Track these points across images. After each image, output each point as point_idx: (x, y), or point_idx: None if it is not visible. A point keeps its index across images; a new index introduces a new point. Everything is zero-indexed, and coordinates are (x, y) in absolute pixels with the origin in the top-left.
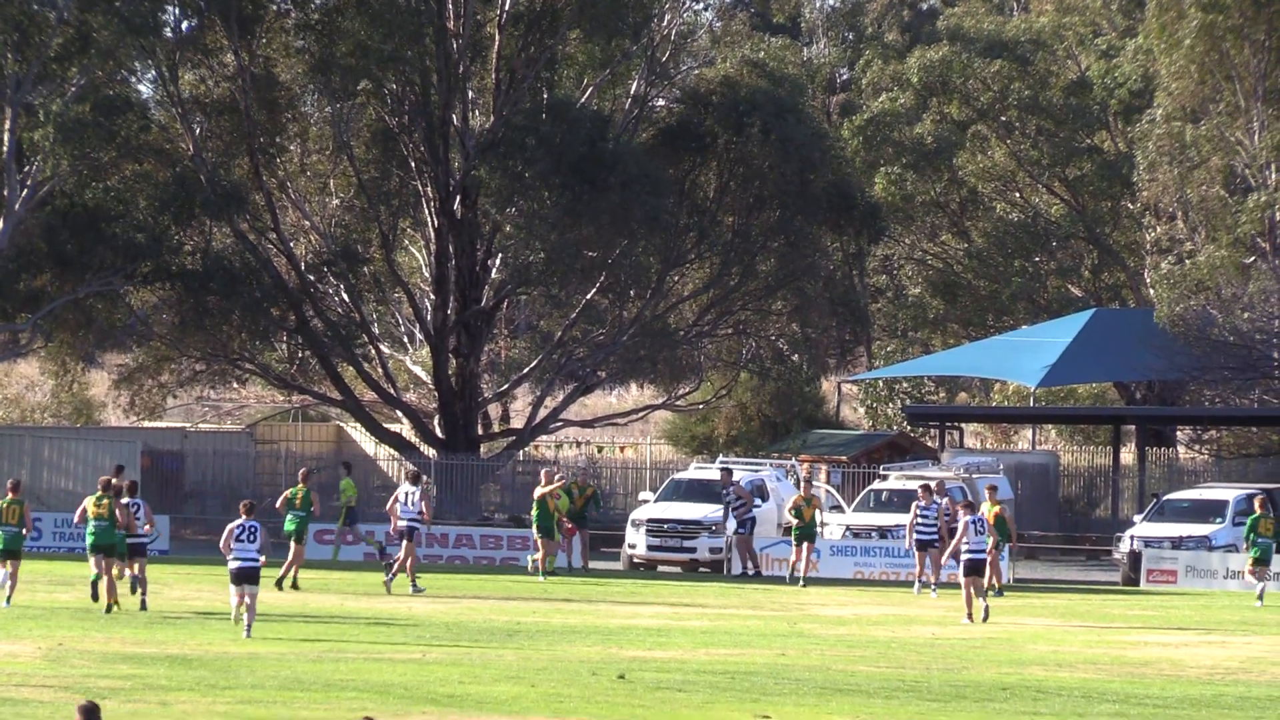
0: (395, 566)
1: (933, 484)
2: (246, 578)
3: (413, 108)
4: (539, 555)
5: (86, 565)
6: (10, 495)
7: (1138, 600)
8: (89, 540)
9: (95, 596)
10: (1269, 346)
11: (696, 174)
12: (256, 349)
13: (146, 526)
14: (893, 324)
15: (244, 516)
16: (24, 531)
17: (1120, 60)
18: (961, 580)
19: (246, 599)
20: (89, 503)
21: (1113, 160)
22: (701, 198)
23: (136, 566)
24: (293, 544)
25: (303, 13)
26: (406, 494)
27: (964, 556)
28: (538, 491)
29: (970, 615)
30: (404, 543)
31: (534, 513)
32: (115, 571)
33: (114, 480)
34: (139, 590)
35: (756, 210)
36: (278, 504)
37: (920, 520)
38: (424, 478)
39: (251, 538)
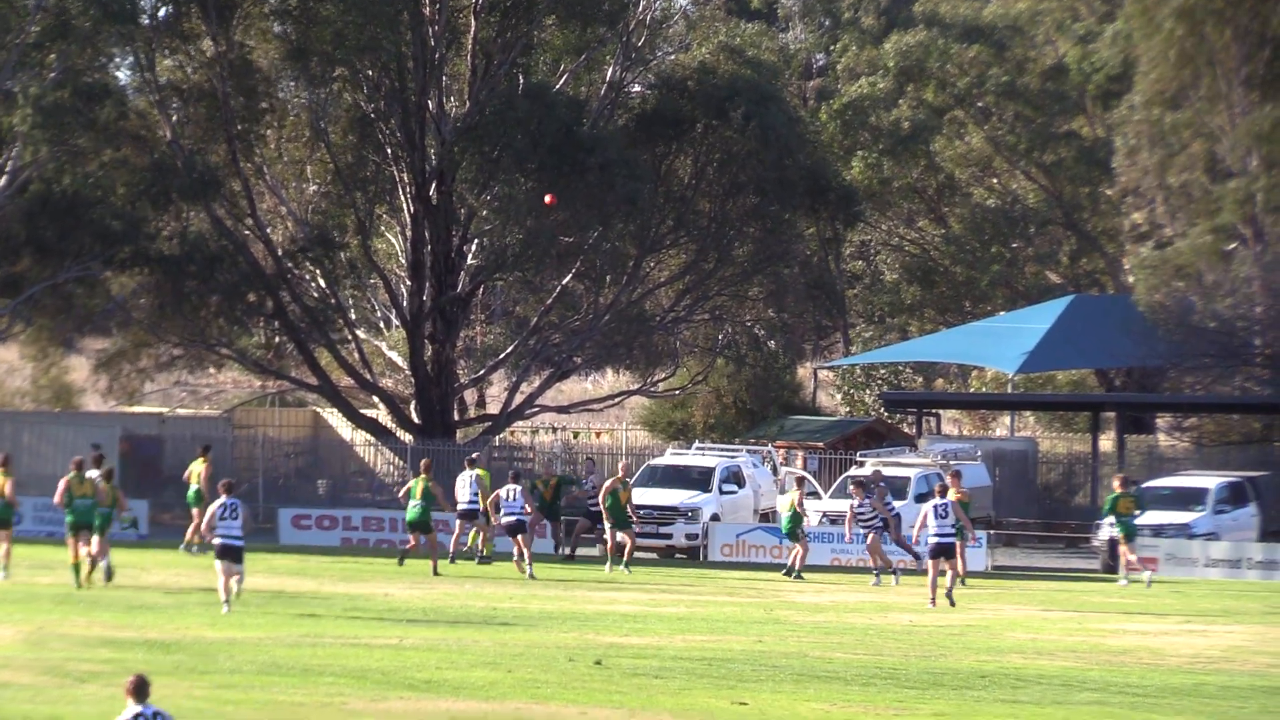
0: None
1: (865, 478)
2: (231, 555)
3: (389, 94)
4: (610, 547)
5: (66, 550)
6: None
7: (1117, 588)
8: (70, 519)
9: (80, 583)
10: (1250, 333)
11: (673, 159)
12: (234, 334)
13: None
14: (870, 310)
15: (224, 495)
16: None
17: (1098, 45)
18: (929, 563)
19: (234, 576)
20: (70, 482)
21: (1090, 146)
22: (678, 183)
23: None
24: (421, 535)
25: None
26: (509, 491)
27: (932, 540)
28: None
29: (934, 600)
30: (517, 537)
31: (606, 504)
32: (89, 550)
33: (86, 460)
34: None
35: (733, 195)
36: (399, 495)
37: (859, 513)
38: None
39: (234, 515)
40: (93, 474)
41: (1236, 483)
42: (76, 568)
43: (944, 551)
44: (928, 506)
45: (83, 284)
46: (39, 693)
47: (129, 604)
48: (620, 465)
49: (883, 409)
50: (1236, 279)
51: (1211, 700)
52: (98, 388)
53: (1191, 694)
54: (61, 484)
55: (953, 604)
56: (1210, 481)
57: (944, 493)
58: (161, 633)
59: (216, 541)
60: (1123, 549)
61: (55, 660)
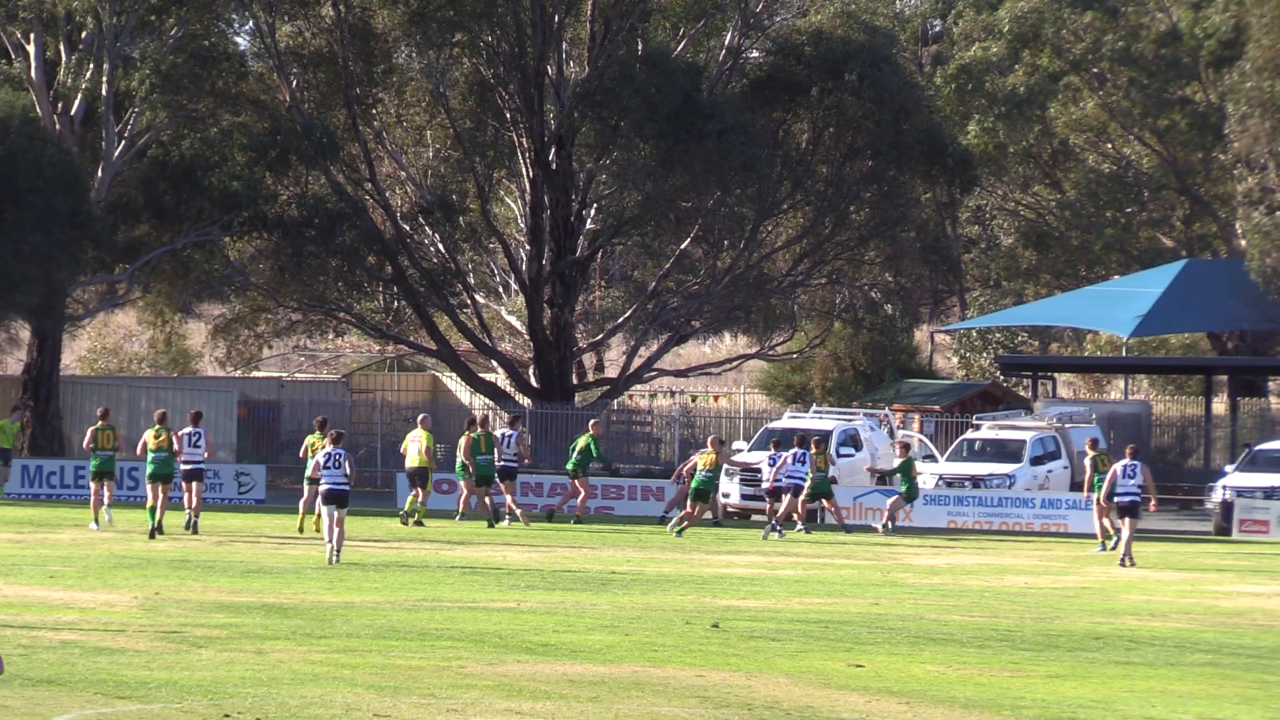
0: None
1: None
2: (335, 499)
3: (508, 59)
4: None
5: (181, 515)
6: (102, 422)
7: (1230, 550)
8: (149, 470)
9: (153, 533)
10: None
11: (790, 124)
12: (353, 299)
13: (205, 454)
14: (985, 274)
15: (331, 445)
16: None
17: (1210, 11)
18: (1119, 521)
19: (336, 519)
20: (149, 436)
21: (1204, 112)
22: (795, 147)
23: (194, 488)
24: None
25: None
26: (504, 436)
27: (1118, 499)
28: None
29: (1125, 558)
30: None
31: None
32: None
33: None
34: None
35: (850, 160)
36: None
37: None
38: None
39: (338, 464)
40: (189, 430)
41: None
42: (153, 511)
43: (1130, 510)
44: (1117, 466)
45: (201, 249)
46: (155, 658)
47: (245, 568)
48: (709, 440)
49: (998, 372)
50: None
51: None
52: (215, 354)
53: None
54: (144, 437)
55: (1132, 563)
56: None
57: (1135, 454)
58: (278, 597)
59: (323, 487)
60: (1098, 510)
61: (171, 625)
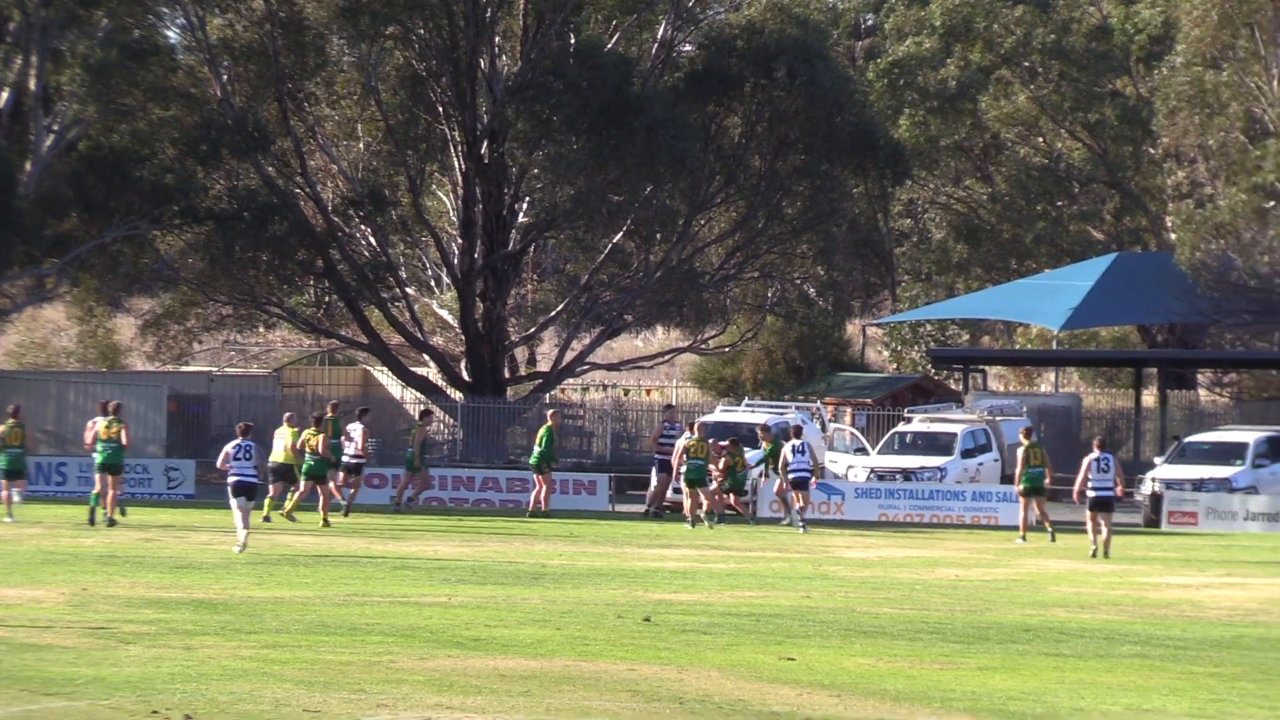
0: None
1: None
2: (245, 491)
3: (440, 52)
4: (690, 505)
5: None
6: (12, 420)
7: (1159, 542)
8: (99, 459)
9: (93, 520)
10: None
11: (722, 118)
12: (283, 292)
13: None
14: (917, 267)
15: (240, 437)
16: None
17: (1140, 6)
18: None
19: (244, 513)
20: (100, 426)
21: (1134, 105)
22: (727, 142)
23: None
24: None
25: None
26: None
27: (1091, 494)
28: (682, 442)
29: (1095, 552)
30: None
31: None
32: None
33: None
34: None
35: (782, 153)
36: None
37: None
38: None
39: (248, 455)
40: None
41: (1275, 437)
42: (94, 508)
43: (1102, 505)
44: (1088, 460)
45: (130, 243)
46: (82, 654)
47: (174, 564)
48: (696, 426)
49: (930, 365)
50: (1275, 237)
51: (1250, 652)
52: (144, 349)
53: (1231, 646)
54: (94, 427)
55: (1107, 555)
56: (1250, 436)
57: (1103, 446)
58: (207, 593)
59: (232, 479)
60: (1023, 503)
61: (99, 621)
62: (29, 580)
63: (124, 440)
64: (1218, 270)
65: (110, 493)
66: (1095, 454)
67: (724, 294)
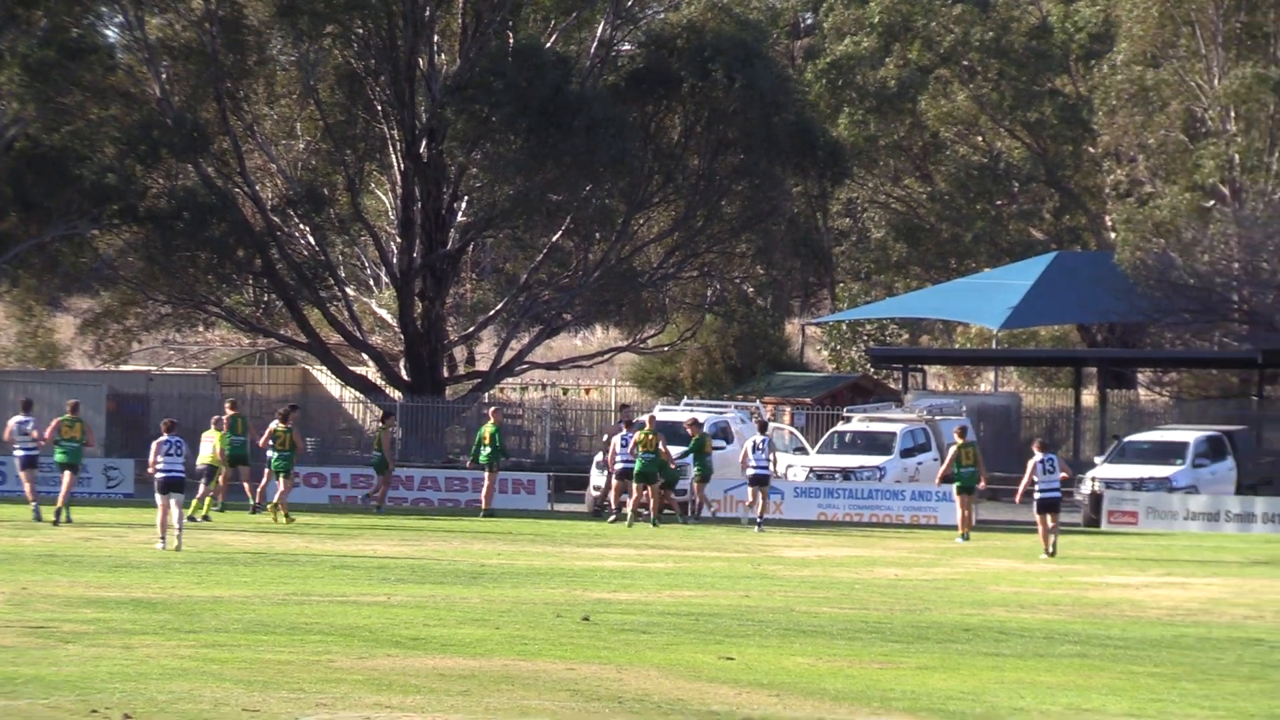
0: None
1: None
2: (173, 487)
3: (379, 51)
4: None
5: (50, 511)
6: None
7: (1099, 541)
8: (60, 458)
9: (57, 519)
10: (1228, 289)
11: (662, 118)
12: (223, 292)
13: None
14: (856, 267)
15: (166, 434)
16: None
17: (1080, 4)
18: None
19: (174, 507)
20: (61, 425)
21: (1073, 104)
22: (667, 141)
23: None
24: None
25: None
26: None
27: (1037, 495)
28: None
29: (1048, 550)
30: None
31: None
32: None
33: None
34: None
35: (721, 153)
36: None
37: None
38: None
39: (176, 451)
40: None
41: (1215, 437)
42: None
43: (1051, 507)
44: (1033, 462)
45: (69, 242)
46: (21, 654)
47: (113, 563)
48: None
49: (869, 365)
50: (1215, 236)
51: (1190, 651)
52: (84, 348)
53: (1170, 646)
54: (55, 424)
55: (1054, 554)
56: (1189, 436)
57: (1045, 448)
58: (146, 592)
59: (160, 476)
60: (959, 501)
61: (38, 620)
62: None
63: (89, 440)
64: (1158, 269)
65: (64, 491)
66: (1039, 456)
67: (663, 293)
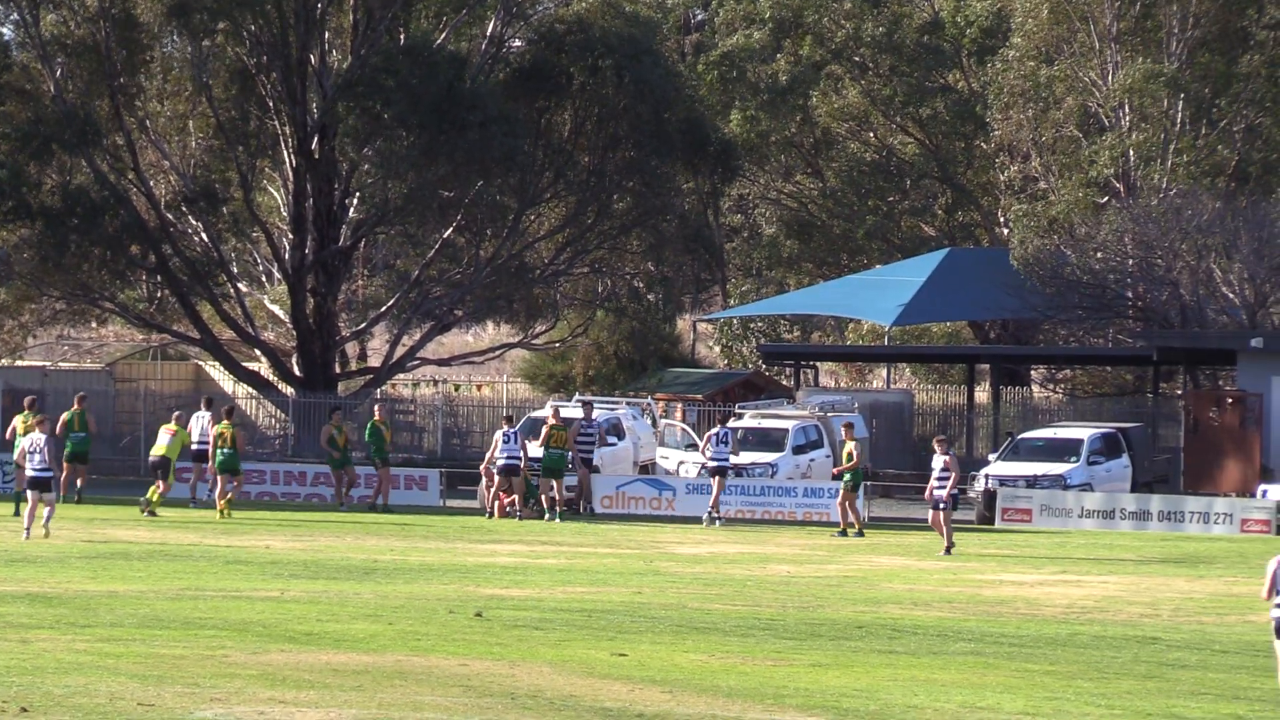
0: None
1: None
2: (40, 485)
3: (270, 48)
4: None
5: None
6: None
7: (993, 539)
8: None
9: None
10: (1122, 286)
11: (553, 114)
12: (116, 288)
13: None
14: (747, 263)
15: (36, 431)
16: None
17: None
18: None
19: (45, 504)
20: (18, 422)
21: (966, 100)
22: (557, 137)
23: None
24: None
25: None
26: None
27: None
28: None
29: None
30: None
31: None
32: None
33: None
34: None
35: (612, 149)
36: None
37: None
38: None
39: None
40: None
41: (1110, 434)
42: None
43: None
44: (937, 461)
45: None
46: None
47: (9, 558)
48: (551, 410)
49: (761, 361)
50: (1108, 232)
51: (1085, 650)
52: None
53: (1066, 644)
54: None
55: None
56: (1084, 433)
57: (946, 446)
58: (42, 586)
59: (28, 474)
60: (850, 498)
61: None
62: None
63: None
64: (1051, 266)
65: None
66: (942, 455)
67: (554, 289)
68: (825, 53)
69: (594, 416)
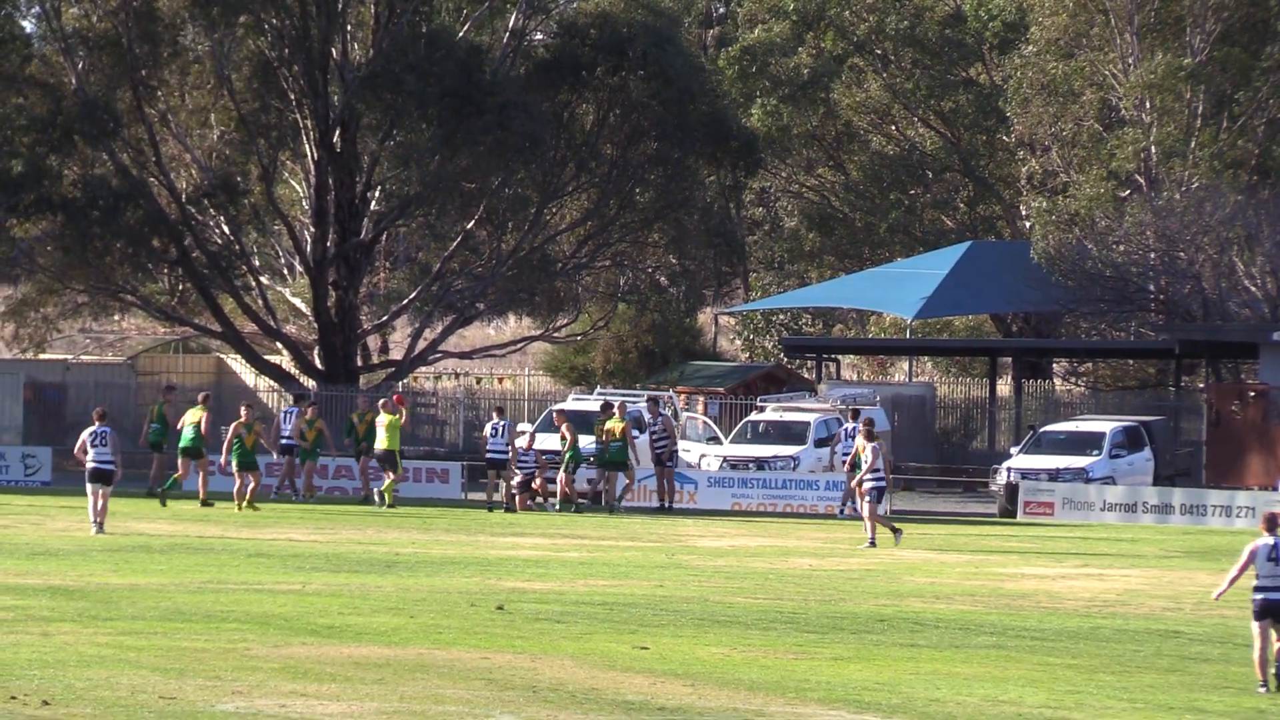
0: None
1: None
2: (101, 478)
3: (292, 41)
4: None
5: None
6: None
7: (1015, 532)
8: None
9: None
10: (1144, 279)
11: (575, 106)
12: (138, 280)
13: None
14: (769, 256)
15: (97, 423)
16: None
17: None
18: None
19: (101, 498)
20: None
21: (988, 93)
22: (579, 130)
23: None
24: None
25: None
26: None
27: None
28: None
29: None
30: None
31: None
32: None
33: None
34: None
35: (634, 142)
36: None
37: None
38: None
39: (104, 442)
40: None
41: (1132, 427)
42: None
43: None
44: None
45: None
46: None
47: (31, 550)
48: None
49: (782, 354)
50: (1130, 226)
51: (1107, 643)
52: (3, 335)
53: (1088, 637)
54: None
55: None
56: (1106, 426)
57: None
58: (64, 579)
59: (90, 466)
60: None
61: None
62: None
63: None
64: (1073, 259)
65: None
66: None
67: (576, 282)
68: (847, 46)
69: (662, 411)
